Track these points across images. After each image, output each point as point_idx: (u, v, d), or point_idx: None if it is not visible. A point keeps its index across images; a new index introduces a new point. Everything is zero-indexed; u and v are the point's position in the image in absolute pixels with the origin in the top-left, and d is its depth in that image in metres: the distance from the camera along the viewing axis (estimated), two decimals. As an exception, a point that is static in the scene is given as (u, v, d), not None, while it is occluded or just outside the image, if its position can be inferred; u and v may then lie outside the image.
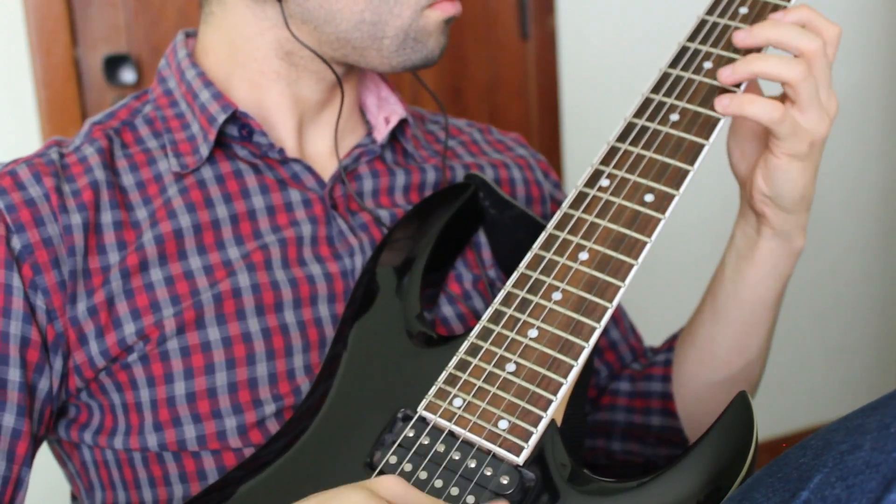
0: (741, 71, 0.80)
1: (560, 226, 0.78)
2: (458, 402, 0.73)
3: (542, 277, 0.77)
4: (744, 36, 0.81)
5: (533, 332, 0.74)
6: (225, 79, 0.92)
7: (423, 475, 0.70)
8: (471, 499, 0.68)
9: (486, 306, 0.77)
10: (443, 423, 0.72)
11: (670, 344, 1.04)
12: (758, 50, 0.82)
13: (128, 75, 1.88)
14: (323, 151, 0.95)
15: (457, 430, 0.71)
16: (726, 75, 0.81)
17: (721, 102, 0.80)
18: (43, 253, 0.83)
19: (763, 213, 0.87)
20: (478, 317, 0.77)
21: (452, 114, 1.10)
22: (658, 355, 1.04)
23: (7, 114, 1.83)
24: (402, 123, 0.98)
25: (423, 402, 0.74)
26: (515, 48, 2.19)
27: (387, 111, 0.98)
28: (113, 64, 1.88)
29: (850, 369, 2.63)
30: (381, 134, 0.97)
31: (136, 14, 1.88)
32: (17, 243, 0.82)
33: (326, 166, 0.94)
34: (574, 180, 2.21)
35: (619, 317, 1.08)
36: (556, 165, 2.23)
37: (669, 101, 0.81)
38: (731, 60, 0.81)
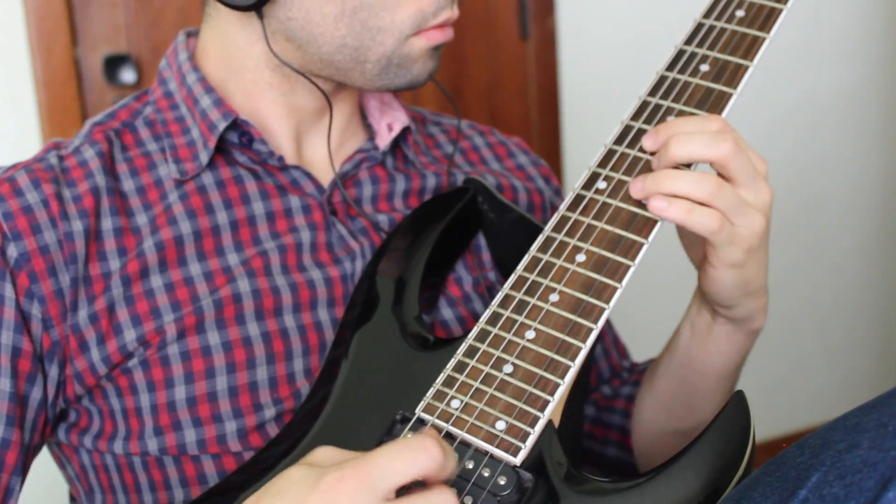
0: (652, 191, 0.75)
1: (557, 228, 0.79)
2: (455, 403, 0.73)
3: (540, 279, 0.77)
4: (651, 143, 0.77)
5: (530, 334, 0.74)
6: (222, 84, 0.92)
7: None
8: (468, 500, 0.68)
9: (486, 309, 0.78)
10: (440, 424, 0.72)
11: (639, 377, 1.04)
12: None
13: (128, 75, 1.89)
14: (323, 157, 0.95)
15: (454, 431, 0.71)
16: (637, 190, 0.76)
17: (656, 205, 0.75)
18: (40, 261, 0.82)
19: (715, 310, 0.85)
20: (477, 319, 0.77)
21: (452, 113, 1.10)
22: (625, 387, 1.04)
23: (7, 114, 1.84)
24: (405, 130, 0.98)
25: (421, 404, 0.74)
26: (515, 48, 2.19)
27: (389, 117, 0.98)
28: (113, 64, 1.88)
29: (851, 369, 2.63)
30: (384, 141, 0.96)
31: (136, 14, 1.88)
32: (13, 251, 0.82)
33: (326, 172, 0.94)
34: (574, 181, 2.21)
35: (604, 331, 1.07)
36: (556, 166, 2.23)
37: (666, 103, 0.81)
38: (727, 64, 0.81)
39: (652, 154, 0.79)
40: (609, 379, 1.07)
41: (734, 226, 0.76)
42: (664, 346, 0.96)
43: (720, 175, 0.77)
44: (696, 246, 0.85)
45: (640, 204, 0.78)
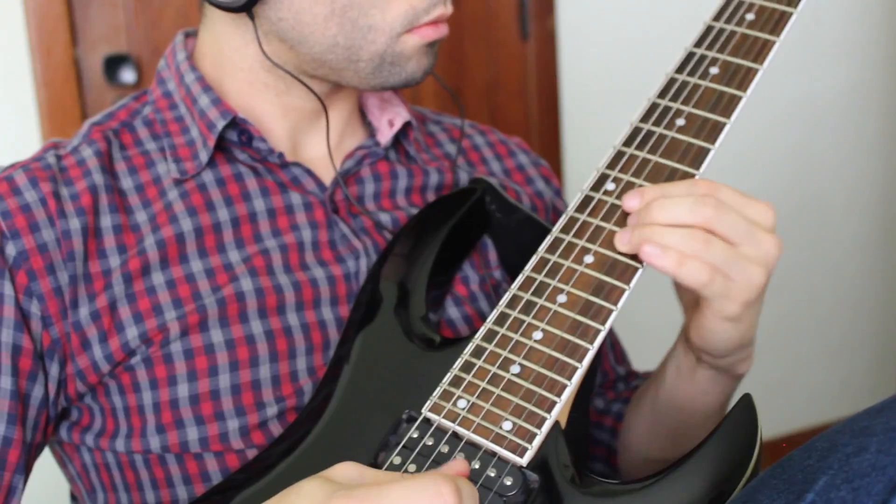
0: (638, 241, 0.73)
1: (565, 229, 0.79)
2: (462, 403, 0.73)
3: (548, 280, 0.77)
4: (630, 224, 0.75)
5: (538, 335, 0.74)
6: (218, 84, 0.91)
7: (426, 476, 0.70)
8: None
9: (493, 308, 0.77)
10: (447, 424, 0.72)
11: (630, 394, 1.03)
12: None
13: (128, 75, 1.89)
14: (322, 155, 0.94)
15: (461, 431, 0.71)
16: (623, 242, 0.75)
17: (648, 251, 0.73)
18: (38, 259, 0.82)
19: (700, 357, 0.84)
20: (484, 318, 0.77)
21: (453, 113, 1.10)
22: (615, 403, 1.03)
23: (7, 114, 1.83)
24: (406, 126, 0.98)
25: (428, 404, 0.74)
26: (515, 48, 2.19)
27: (390, 113, 0.98)
28: (113, 64, 1.88)
29: (851, 369, 2.64)
30: (385, 137, 0.96)
31: (136, 14, 1.88)
32: (11, 250, 0.82)
33: (327, 169, 0.94)
34: (574, 180, 2.21)
35: None
36: (556, 166, 2.23)
37: (675, 105, 0.81)
38: (737, 67, 0.81)
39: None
40: (602, 387, 1.06)
41: (730, 279, 0.74)
42: (652, 375, 0.95)
43: None
44: (688, 290, 0.82)
45: None
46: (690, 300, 0.83)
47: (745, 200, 0.75)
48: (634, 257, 0.76)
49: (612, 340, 1.08)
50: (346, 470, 0.61)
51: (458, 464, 0.64)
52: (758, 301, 0.77)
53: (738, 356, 0.83)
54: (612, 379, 1.07)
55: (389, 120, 0.97)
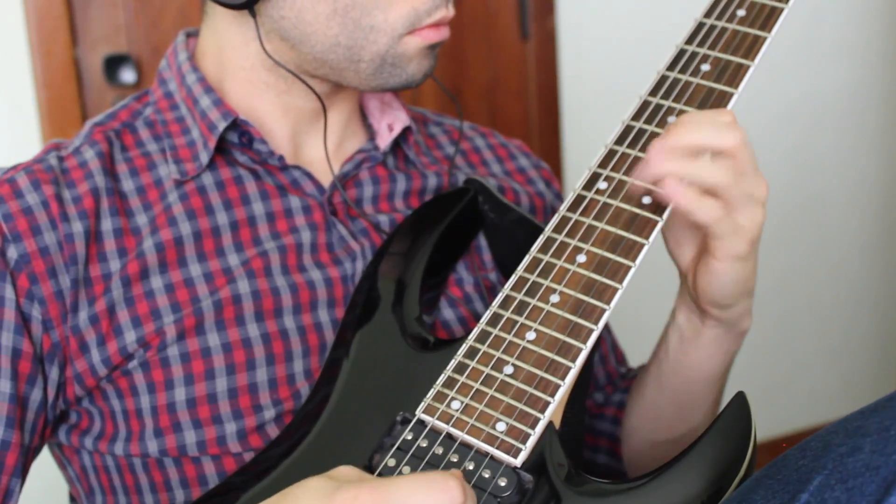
0: (657, 171, 0.74)
1: (558, 229, 0.78)
2: (455, 404, 0.73)
3: (540, 280, 0.77)
4: (658, 150, 0.75)
5: (531, 335, 0.74)
6: (219, 83, 0.91)
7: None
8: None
9: (487, 309, 0.77)
10: (441, 425, 0.72)
11: (629, 383, 1.03)
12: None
13: (128, 75, 1.89)
14: (322, 157, 0.94)
15: (455, 432, 0.71)
16: (671, 191, 0.75)
17: (672, 188, 0.74)
18: (40, 262, 0.82)
19: (706, 311, 0.84)
20: (479, 319, 0.77)
21: (453, 114, 1.10)
22: (615, 394, 1.04)
23: (7, 114, 1.84)
24: (405, 130, 0.98)
25: (422, 405, 0.74)
26: (515, 48, 2.19)
27: (390, 117, 0.98)
28: (113, 64, 1.88)
29: (851, 369, 2.63)
30: (385, 141, 0.96)
31: (136, 14, 1.88)
32: (13, 253, 0.82)
33: (326, 172, 0.94)
34: (574, 180, 2.21)
35: (603, 336, 1.06)
36: (556, 166, 2.23)
37: (667, 103, 0.81)
38: (728, 64, 0.81)
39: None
40: (604, 386, 1.06)
41: (738, 216, 0.76)
42: (652, 355, 0.95)
43: None
44: (686, 244, 0.83)
45: (641, 205, 0.77)
46: (692, 254, 0.83)
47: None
48: (627, 256, 0.76)
49: (612, 342, 1.08)
50: (346, 472, 0.62)
51: (456, 473, 0.65)
52: (758, 242, 0.79)
53: (744, 305, 0.84)
54: (614, 378, 1.07)
55: (389, 124, 0.97)
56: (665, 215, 0.77)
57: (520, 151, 1.08)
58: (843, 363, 2.62)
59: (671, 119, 0.80)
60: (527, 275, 0.77)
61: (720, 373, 0.89)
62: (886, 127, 2.55)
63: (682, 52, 0.83)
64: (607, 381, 1.06)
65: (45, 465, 1.01)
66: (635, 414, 0.97)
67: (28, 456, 0.83)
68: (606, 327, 1.07)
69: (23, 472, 0.82)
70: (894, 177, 2.58)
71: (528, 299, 0.76)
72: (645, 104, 0.82)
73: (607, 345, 1.07)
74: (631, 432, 0.98)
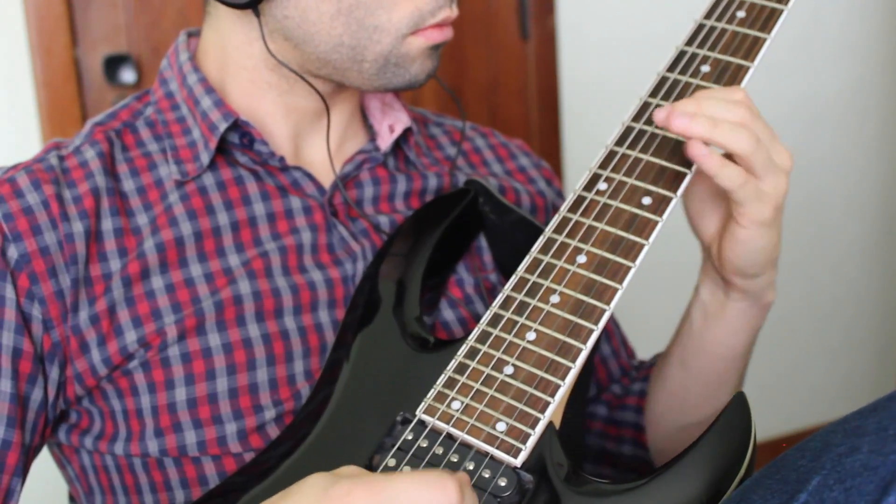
0: (684, 128, 0.75)
1: (558, 229, 0.79)
2: (456, 404, 0.73)
3: (540, 280, 0.77)
4: (684, 123, 0.75)
5: (531, 335, 0.74)
6: (221, 83, 0.91)
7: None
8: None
9: (487, 310, 0.78)
10: (441, 425, 0.72)
11: (648, 372, 1.03)
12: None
13: (128, 75, 1.89)
14: (323, 158, 0.94)
15: (455, 432, 0.72)
16: (696, 152, 0.76)
17: (697, 150, 0.75)
18: (40, 262, 0.82)
19: (733, 282, 0.85)
20: (479, 320, 0.77)
21: (453, 114, 1.10)
22: (635, 383, 1.04)
23: (7, 114, 1.84)
24: (406, 131, 0.98)
25: (422, 405, 0.74)
26: (515, 48, 2.19)
27: (391, 118, 0.98)
28: (113, 64, 1.88)
29: (850, 369, 2.63)
30: (385, 142, 0.96)
31: (136, 14, 1.88)
32: (13, 252, 0.82)
33: (327, 173, 0.94)
34: (574, 180, 2.21)
35: (612, 331, 1.07)
36: (556, 166, 2.23)
37: (667, 104, 0.81)
38: (728, 65, 0.81)
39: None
40: (619, 378, 1.07)
41: (761, 183, 0.77)
42: (670, 340, 0.96)
43: None
44: (709, 215, 0.85)
45: (641, 205, 0.78)
46: (716, 225, 0.85)
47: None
48: (626, 256, 0.76)
49: (622, 336, 1.08)
50: (350, 471, 0.62)
51: (461, 475, 0.65)
52: (782, 209, 0.81)
53: (769, 275, 0.85)
54: (626, 371, 1.08)
55: (390, 125, 0.97)
56: (665, 215, 0.77)
57: (520, 151, 1.08)
58: (843, 363, 2.62)
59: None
60: (527, 275, 0.77)
61: (745, 349, 0.90)
62: (886, 127, 2.55)
63: (682, 54, 0.83)
64: (622, 374, 1.07)
65: (44, 465, 1.01)
66: (660, 400, 0.97)
67: (29, 455, 0.83)
68: (615, 322, 1.08)
69: (23, 471, 0.82)
70: (894, 177, 2.58)
71: (528, 300, 0.76)
72: (645, 105, 0.82)
73: (617, 339, 1.07)
74: (657, 419, 0.98)
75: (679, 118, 0.75)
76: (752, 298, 0.86)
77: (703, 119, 0.75)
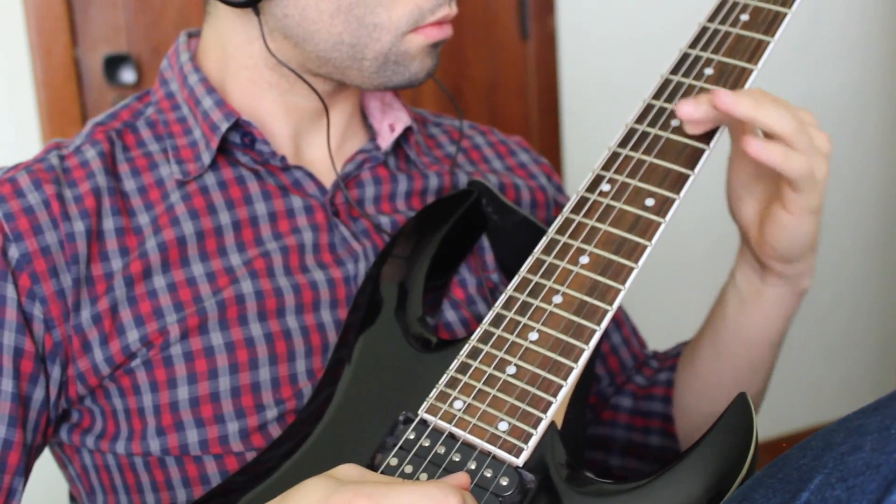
0: (730, 104, 0.74)
1: (561, 230, 0.79)
2: (458, 404, 0.73)
3: (543, 281, 0.77)
4: (730, 101, 0.75)
5: (533, 335, 0.75)
6: (221, 83, 0.91)
7: (423, 477, 0.70)
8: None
9: (489, 310, 0.78)
10: (443, 425, 0.72)
11: (674, 361, 1.03)
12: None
13: (128, 75, 1.89)
14: (323, 157, 0.94)
15: (457, 431, 0.72)
16: (720, 101, 0.75)
17: (755, 146, 0.75)
18: (41, 262, 0.82)
19: (771, 267, 0.85)
20: (481, 321, 0.77)
21: (453, 114, 1.10)
22: (661, 373, 1.04)
23: (7, 114, 1.84)
24: (406, 130, 0.98)
25: (424, 405, 0.74)
26: (515, 48, 2.19)
27: (391, 117, 0.98)
28: (113, 64, 1.88)
29: (851, 369, 2.64)
30: (386, 141, 0.96)
31: (136, 14, 1.88)
32: (14, 252, 0.82)
33: (327, 172, 0.94)
34: (574, 180, 2.21)
35: (622, 321, 1.07)
36: (556, 165, 2.23)
37: (670, 106, 0.81)
38: (731, 68, 0.82)
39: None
40: (636, 368, 1.06)
41: (814, 170, 0.78)
42: (701, 327, 0.95)
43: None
44: (749, 200, 0.85)
45: (644, 207, 0.78)
46: (756, 209, 0.84)
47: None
48: (629, 257, 0.76)
49: (632, 326, 1.08)
50: (348, 471, 0.62)
51: (461, 477, 0.65)
52: (824, 195, 0.81)
53: (809, 260, 0.85)
54: (641, 361, 1.07)
55: (390, 124, 0.97)
56: (668, 216, 0.77)
57: (519, 147, 1.08)
58: (843, 363, 2.62)
59: (675, 122, 0.80)
60: (530, 276, 0.78)
61: (779, 336, 0.90)
62: (886, 127, 2.55)
63: (685, 56, 0.83)
64: (635, 363, 1.07)
65: (45, 464, 1.01)
66: (691, 388, 0.97)
67: (31, 455, 0.83)
68: (624, 312, 1.08)
69: (26, 471, 0.82)
70: (894, 177, 2.58)
71: (531, 300, 0.76)
72: (648, 107, 0.82)
73: (627, 328, 1.07)
74: (686, 409, 0.98)
75: (724, 96, 0.75)
76: (790, 284, 0.86)
77: (747, 98, 0.75)
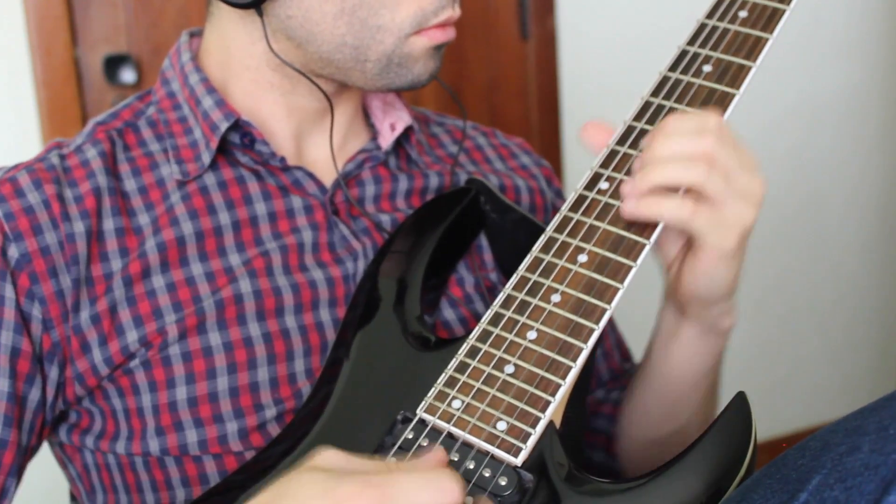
0: (642, 187, 0.75)
1: (559, 228, 0.79)
2: (456, 403, 0.73)
3: (542, 280, 0.77)
4: (638, 180, 0.75)
5: (532, 334, 0.74)
6: (223, 83, 0.91)
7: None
8: (469, 500, 0.68)
9: (487, 309, 0.78)
10: (442, 424, 0.72)
11: (627, 381, 1.02)
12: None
13: (128, 75, 1.89)
14: (325, 157, 0.94)
15: (455, 431, 0.71)
16: (630, 208, 0.75)
17: (627, 206, 0.75)
18: (41, 262, 0.82)
19: (688, 307, 0.83)
20: (479, 320, 0.77)
21: (453, 114, 1.10)
22: (613, 392, 1.03)
23: (7, 114, 1.84)
24: (407, 130, 0.98)
25: (423, 404, 0.74)
26: (515, 48, 2.19)
27: (392, 117, 0.98)
28: (113, 64, 1.88)
29: (851, 369, 2.63)
30: (387, 141, 0.96)
31: (136, 14, 1.88)
32: (14, 252, 0.82)
33: (328, 172, 0.94)
34: (574, 181, 2.21)
35: (606, 333, 1.06)
36: (557, 166, 2.23)
37: (668, 104, 0.81)
38: (729, 65, 0.81)
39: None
40: (606, 382, 1.06)
41: (723, 211, 0.75)
42: (643, 354, 0.94)
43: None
44: (669, 240, 0.82)
45: None
46: (675, 249, 0.82)
47: (736, 141, 0.76)
48: (628, 255, 0.76)
49: (616, 339, 1.08)
50: (331, 456, 0.60)
51: (437, 453, 0.63)
52: (745, 243, 0.78)
53: (725, 305, 0.82)
54: (618, 374, 1.07)
55: (391, 124, 0.97)
56: None
57: (521, 150, 1.08)
58: (843, 363, 2.62)
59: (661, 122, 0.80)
60: (528, 274, 0.77)
61: (704, 372, 0.87)
62: (886, 127, 2.55)
63: (683, 53, 0.83)
64: (610, 378, 1.06)
65: (45, 464, 1.01)
66: (627, 412, 0.96)
67: (25, 456, 0.83)
68: (611, 324, 1.07)
69: (19, 472, 0.82)
70: (894, 177, 2.58)
71: (529, 299, 0.76)
72: (647, 105, 0.82)
73: (611, 342, 1.06)
74: (623, 431, 0.98)
75: (625, 204, 0.75)
76: (707, 325, 0.84)
77: (647, 183, 0.74)
